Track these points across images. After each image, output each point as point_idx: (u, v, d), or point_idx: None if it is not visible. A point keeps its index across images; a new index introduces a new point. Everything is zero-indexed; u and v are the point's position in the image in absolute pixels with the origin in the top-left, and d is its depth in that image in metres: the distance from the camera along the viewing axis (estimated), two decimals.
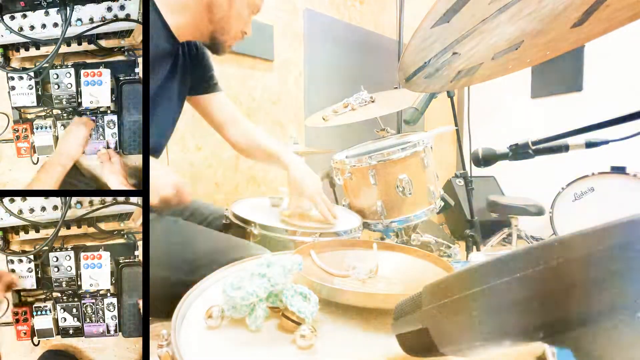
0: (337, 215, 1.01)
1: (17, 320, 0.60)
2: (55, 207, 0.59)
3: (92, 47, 0.60)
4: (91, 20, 0.59)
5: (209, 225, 1.05)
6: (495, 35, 0.54)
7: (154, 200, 0.72)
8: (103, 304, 0.61)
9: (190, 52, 0.99)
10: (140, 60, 0.61)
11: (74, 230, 0.61)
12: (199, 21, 0.88)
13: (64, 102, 0.60)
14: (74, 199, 0.60)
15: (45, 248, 0.60)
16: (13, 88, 0.59)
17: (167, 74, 0.91)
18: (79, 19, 0.59)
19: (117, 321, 0.62)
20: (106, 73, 0.60)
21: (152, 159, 0.66)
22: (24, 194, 0.59)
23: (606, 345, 0.23)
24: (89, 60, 0.60)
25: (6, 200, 0.58)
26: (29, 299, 0.61)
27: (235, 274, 0.52)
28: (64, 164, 0.60)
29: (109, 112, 0.61)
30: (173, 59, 0.92)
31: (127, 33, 0.60)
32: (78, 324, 0.61)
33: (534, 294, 0.24)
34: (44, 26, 0.58)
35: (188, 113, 1.11)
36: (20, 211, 0.59)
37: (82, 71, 0.60)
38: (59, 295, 0.61)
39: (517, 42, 0.57)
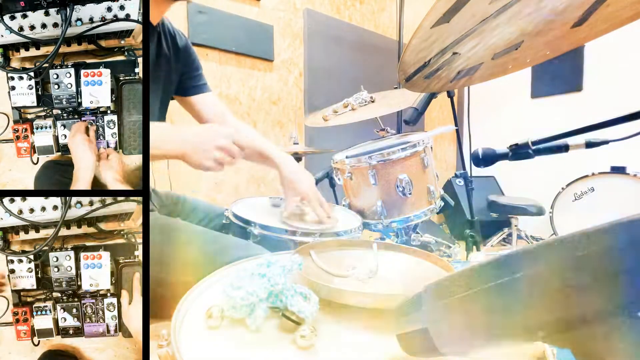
0: (331, 214, 0.99)
1: (17, 320, 0.60)
2: (55, 207, 0.59)
3: (92, 47, 0.60)
4: (91, 20, 0.59)
5: (208, 224, 1.04)
6: (495, 36, 0.54)
7: (206, 160, 0.69)
8: (103, 304, 0.61)
9: (175, 47, 0.98)
10: (140, 60, 0.61)
11: (74, 230, 0.61)
12: None
13: (64, 102, 0.60)
14: (74, 199, 0.60)
15: (45, 248, 0.60)
16: (13, 88, 0.59)
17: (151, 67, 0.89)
18: (79, 19, 0.59)
19: (117, 321, 0.62)
20: (106, 73, 0.60)
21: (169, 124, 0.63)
22: (24, 194, 0.59)
23: (606, 345, 0.23)
24: (89, 60, 0.60)
25: (6, 200, 0.58)
26: (29, 299, 0.61)
27: (235, 274, 0.52)
28: (84, 176, 0.60)
29: (109, 112, 0.61)
30: (155, 49, 0.91)
31: (127, 33, 0.60)
32: (78, 324, 0.61)
33: (533, 294, 0.24)
34: (44, 26, 0.58)
35: (189, 113, 1.11)
36: (20, 211, 0.59)
37: (82, 71, 0.60)
38: (59, 295, 0.61)
39: (517, 42, 0.57)
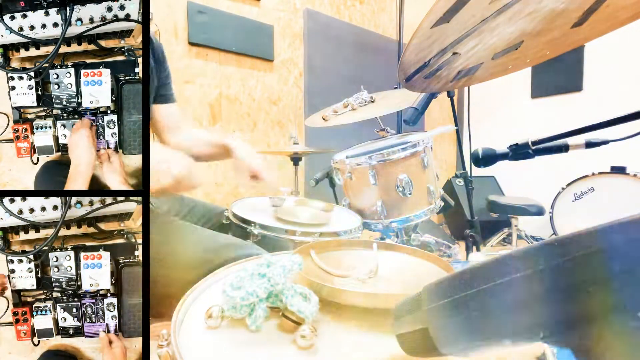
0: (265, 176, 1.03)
1: (17, 320, 0.60)
2: (55, 207, 0.59)
3: (92, 47, 0.60)
4: (91, 20, 0.59)
5: (207, 223, 1.05)
6: (495, 35, 0.54)
7: (155, 187, 0.69)
8: (103, 304, 0.61)
9: (154, 52, 0.99)
10: (140, 60, 0.61)
11: (74, 230, 0.61)
12: None
13: (64, 102, 0.60)
14: (74, 199, 0.60)
15: (45, 248, 0.60)
16: (13, 88, 0.60)
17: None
18: (79, 19, 0.59)
19: (117, 321, 0.62)
20: (106, 73, 0.60)
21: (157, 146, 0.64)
22: (24, 194, 0.59)
23: (606, 345, 0.23)
24: (89, 60, 0.60)
25: (6, 200, 0.58)
26: (29, 299, 0.61)
27: (235, 274, 0.52)
28: (83, 173, 0.60)
29: (109, 112, 0.61)
30: None
31: (127, 33, 0.60)
32: (78, 324, 0.61)
33: (534, 294, 0.24)
34: (44, 26, 0.58)
35: None
36: (20, 211, 0.59)
37: (82, 71, 0.60)
38: (59, 295, 0.61)
39: (517, 42, 0.57)
